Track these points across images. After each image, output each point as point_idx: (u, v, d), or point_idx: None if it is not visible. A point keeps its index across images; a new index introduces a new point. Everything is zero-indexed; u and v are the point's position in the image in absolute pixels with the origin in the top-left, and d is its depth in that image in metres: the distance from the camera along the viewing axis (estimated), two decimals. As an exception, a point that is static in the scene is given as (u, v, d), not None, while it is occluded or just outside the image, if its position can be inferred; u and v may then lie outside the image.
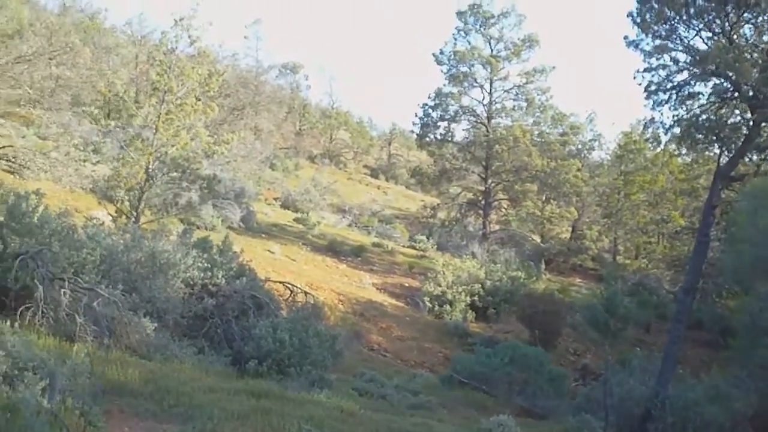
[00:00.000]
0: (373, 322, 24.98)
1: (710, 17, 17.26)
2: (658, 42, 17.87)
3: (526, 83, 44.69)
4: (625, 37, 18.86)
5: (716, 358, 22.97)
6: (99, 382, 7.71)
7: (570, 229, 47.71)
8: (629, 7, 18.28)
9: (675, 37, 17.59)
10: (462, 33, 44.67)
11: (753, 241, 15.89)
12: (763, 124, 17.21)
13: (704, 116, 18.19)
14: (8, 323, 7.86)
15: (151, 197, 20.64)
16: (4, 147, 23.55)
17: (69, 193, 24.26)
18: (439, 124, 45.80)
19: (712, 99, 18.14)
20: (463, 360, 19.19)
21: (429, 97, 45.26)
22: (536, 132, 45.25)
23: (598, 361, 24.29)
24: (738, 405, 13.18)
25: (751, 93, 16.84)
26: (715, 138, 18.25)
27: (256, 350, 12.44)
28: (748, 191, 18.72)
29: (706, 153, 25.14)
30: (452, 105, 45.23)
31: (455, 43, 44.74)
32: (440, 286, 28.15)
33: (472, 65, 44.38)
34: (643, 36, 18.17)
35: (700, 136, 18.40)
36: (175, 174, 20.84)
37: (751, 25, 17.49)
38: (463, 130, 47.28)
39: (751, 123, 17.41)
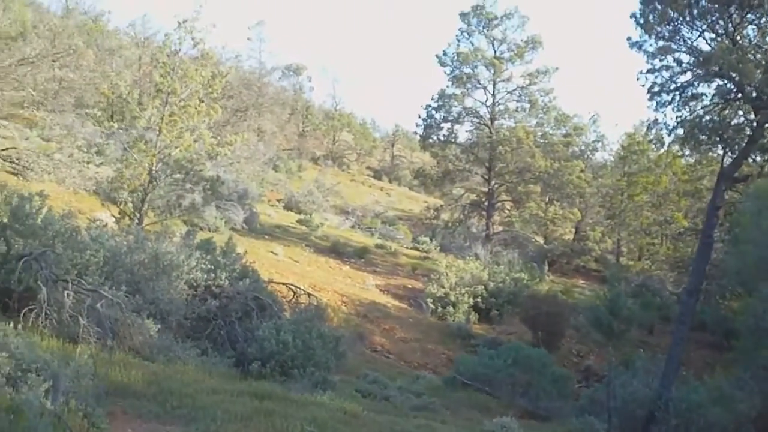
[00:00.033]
0: (377, 323, 24.98)
1: (714, 18, 17.25)
2: (661, 43, 17.87)
3: (529, 85, 44.71)
4: (629, 39, 18.87)
5: (720, 359, 22.94)
6: (102, 384, 7.71)
7: (573, 230, 47.68)
8: (632, 9, 18.28)
9: (678, 38, 17.59)
10: (465, 34, 44.69)
11: (757, 242, 15.86)
12: (767, 125, 17.17)
13: (708, 117, 18.17)
14: (12, 325, 7.86)
15: (154, 199, 20.65)
16: (7, 149, 23.60)
17: (72, 195, 24.30)
18: (442, 125, 45.84)
19: (716, 100, 18.13)
20: (466, 361, 19.16)
21: (432, 99, 45.41)
22: (539, 133, 45.24)
23: (602, 362, 24.27)
24: (741, 407, 13.13)
25: (754, 94, 16.83)
26: (718, 139, 18.24)
27: (259, 352, 12.43)
28: (751, 192, 18.68)
29: (710, 154, 25.17)
30: (455, 106, 45.24)
31: (458, 45, 44.83)
32: (443, 287, 28.14)
33: (476, 67, 44.40)
34: (646, 37, 18.18)
35: (704, 137, 18.39)
36: (178, 175, 20.87)
37: (754, 26, 17.49)
38: (466, 131, 47.44)
39: (754, 124, 17.39)
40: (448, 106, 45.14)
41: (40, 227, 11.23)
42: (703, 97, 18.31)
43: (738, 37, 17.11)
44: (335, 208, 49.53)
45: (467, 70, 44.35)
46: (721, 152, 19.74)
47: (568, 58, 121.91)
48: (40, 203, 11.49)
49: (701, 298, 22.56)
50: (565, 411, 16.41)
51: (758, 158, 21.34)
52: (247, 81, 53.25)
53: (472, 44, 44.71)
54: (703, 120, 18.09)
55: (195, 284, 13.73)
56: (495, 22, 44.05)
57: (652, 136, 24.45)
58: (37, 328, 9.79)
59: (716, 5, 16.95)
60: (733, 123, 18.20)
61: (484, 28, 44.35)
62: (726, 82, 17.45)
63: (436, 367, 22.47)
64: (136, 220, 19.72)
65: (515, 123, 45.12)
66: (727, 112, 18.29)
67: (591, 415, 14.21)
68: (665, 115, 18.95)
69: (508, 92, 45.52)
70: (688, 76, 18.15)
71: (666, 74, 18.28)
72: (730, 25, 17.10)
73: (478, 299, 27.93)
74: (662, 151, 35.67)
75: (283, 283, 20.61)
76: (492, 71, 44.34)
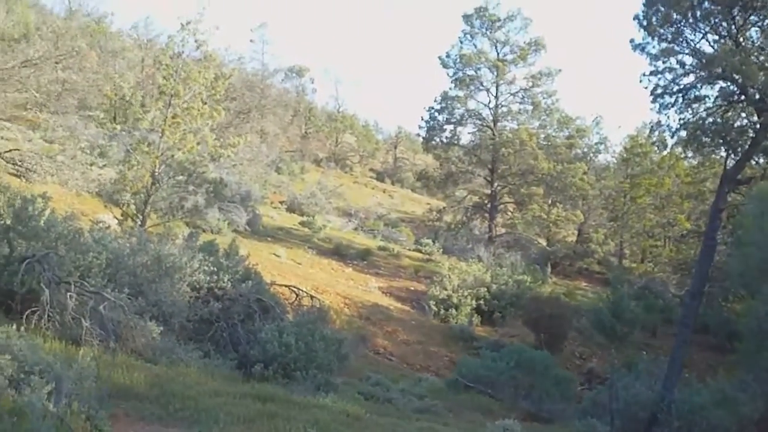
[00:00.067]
0: (379, 325, 24.96)
1: (717, 20, 17.26)
2: (664, 45, 17.88)
3: (533, 86, 44.72)
4: (632, 41, 18.87)
5: (722, 362, 22.89)
6: (105, 386, 7.70)
7: (576, 232, 47.59)
8: (635, 10, 18.26)
9: (681, 40, 17.60)
10: (468, 36, 44.70)
11: (759, 244, 15.84)
12: (770, 127, 17.18)
13: (711, 119, 18.18)
14: (14, 327, 7.85)
15: (157, 201, 20.67)
16: (10, 150, 23.63)
17: (75, 197, 24.32)
18: (445, 127, 45.86)
19: (719, 102, 18.13)
20: (469, 364, 19.13)
21: (435, 101, 45.41)
22: (542, 135, 45.24)
23: (605, 364, 24.23)
24: (744, 409, 13.11)
25: (757, 96, 16.83)
26: (721, 141, 18.24)
27: (261, 354, 12.41)
28: (754, 194, 18.64)
29: (713, 156, 25.12)
30: (458, 108, 45.25)
31: (461, 47, 44.82)
32: (446, 289, 28.10)
33: (479, 68, 44.44)
34: (649, 39, 18.19)
35: (707, 139, 18.40)
36: (181, 177, 20.89)
37: (757, 28, 17.49)
38: (469, 133, 47.45)
39: (757, 126, 17.40)
40: (451, 108, 45.14)
41: (43, 229, 11.24)
42: (706, 99, 18.33)
43: (741, 39, 17.11)
44: (338, 210, 49.52)
45: (470, 72, 44.38)
46: (724, 154, 19.76)
47: (571, 60, 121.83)
48: (42, 205, 11.49)
49: (704, 301, 22.52)
50: (568, 413, 16.39)
51: (761, 160, 21.36)
52: (250, 83, 53.25)
53: (475, 46, 44.76)
54: (706, 122, 18.10)
55: (198, 286, 13.73)
56: (498, 24, 44.04)
57: (655, 139, 24.44)
58: (39, 331, 9.79)
59: (719, 7, 16.96)
60: (736, 125, 18.21)
61: (487, 30, 44.36)
62: (729, 84, 17.46)
63: (439, 369, 22.44)
64: (139, 222, 19.73)
65: (518, 125, 45.15)
66: (730, 114, 18.30)
67: (594, 418, 14.19)
68: (668, 117, 19.00)
69: (511, 94, 45.55)
70: (691, 78, 18.16)
71: (669, 76, 18.30)
72: (733, 27, 17.11)
73: (481, 301, 27.88)
74: (665, 153, 35.74)
75: (286, 286, 20.60)
76: (495, 73, 44.38)
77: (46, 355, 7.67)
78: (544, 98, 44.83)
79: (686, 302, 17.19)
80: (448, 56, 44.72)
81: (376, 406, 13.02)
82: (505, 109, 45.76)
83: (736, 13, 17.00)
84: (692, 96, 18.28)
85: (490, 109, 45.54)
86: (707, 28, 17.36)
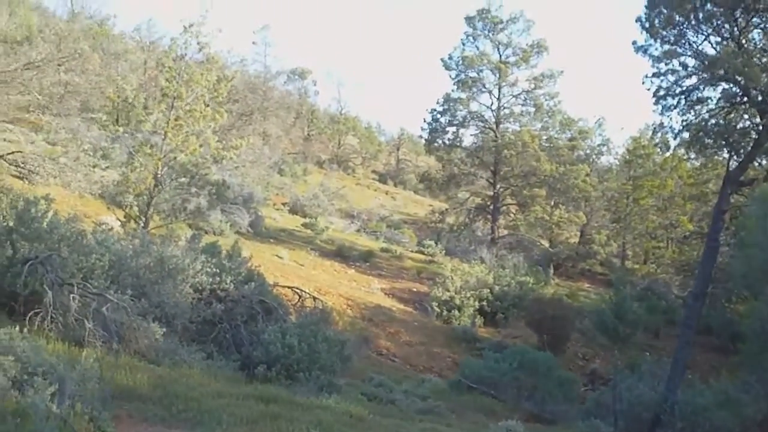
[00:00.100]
0: (382, 327, 24.96)
1: (719, 22, 17.26)
2: (666, 47, 17.89)
3: (535, 88, 44.72)
4: (634, 42, 18.89)
5: (725, 363, 22.87)
6: (108, 387, 7.70)
7: (578, 233, 47.62)
8: (638, 12, 18.26)
9: (684, 42, 17.60)
10: (470, 38, 44.75)
11: (762, 245, 15.85)
12: (773, 128, 17.17)
13: (713, 121, 18.18)
14: (17, 328, 7.84)
15: (159, 202, 20.68)
16: (13, 152, 23.63)
17: (78, 199, 24.32)
18: (447, 129, 45.88)
19: (721, 104, 18.13)
20: (472, 365, 19.12)
21: (437, 103, 45.46)
22: (545, 137, 45.26)
23: (607, 366, 24.23)
24: (747, 410, 13.11)
25: (760, 98, 16.84)
26: (724, 143, 18.24)
27: (264, 355, 12.41)
28: (757, 196, 18.65)
29: (715, 158, 25.12)
30: (461, 110, 45.27)
31: (464, 49, 44.85)
32: (448, 291, 28.10)
33: (481, 71, 44.47)
34: (651, 41, 18.20)
35: (709, 140, 18.40)
36: (183, 179, 20.91)
37: (760, 30, 17.50)
38: (472, 135, 47.50)
39: (760, 127, 17.40)
40: (454, 110, 45.17)
41: (45, 231, 11.24)
42: (709, 100, 18.33)
43: (743, 41, 17.11)
44: (340, 212, 49.51)
45: (472, 74, 44.41)
46: (726, 156, 19.75)
47: (574, 61, 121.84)
48: (45, 207, 11.49)
49: (707, 302, 22.49)
50: (571, 414, 16.38)
51: (764, 162, 21.39)
52: (253, 85, 53.34)
53: (478, 48, 44.81)
54: (709, 124, 18.10)
55: (200, 288, 13.73)
56: (500, 26, 44.08)
57: (657, 140, 24.38)
58: (42, 332, 9.79)
59: (722, 9, 16.96)
60: (738, 127, 18.21)
61: (489, 32, 44.40)
62: (731, 85, 17.45)
63: (442, 370, 22.43)
64: (142, 224, 19.74)
65: (520, 127, 45.21)
66: (732, 115, 18.30)
67: (597, 419, 14.21)
68: (671, 118, 18.99)
69: (514, 96, 45.57)
70: (694, 79, 18.17)
71: (671, 78, 18.30)
72: (735, 28, 17.11)
73: (484, 303, 27.87)
74: (668, 154, 35.69)
75: (289, 287, 20.61)
76: (497, 75, 44.40)
77: (49, 356, 7.67)
78: (546, 100, 44.87)
79: (689, 303, 17.18)
80: (450, 58, 44.79)
81: (379, 407, 13.01)
82: (507, 111, 45.80)
83: (738, 15, 17.00)
84: (695, 98, 18.28)
85: (492, 111, 45.60)
86: (710, 30, 17.36)
